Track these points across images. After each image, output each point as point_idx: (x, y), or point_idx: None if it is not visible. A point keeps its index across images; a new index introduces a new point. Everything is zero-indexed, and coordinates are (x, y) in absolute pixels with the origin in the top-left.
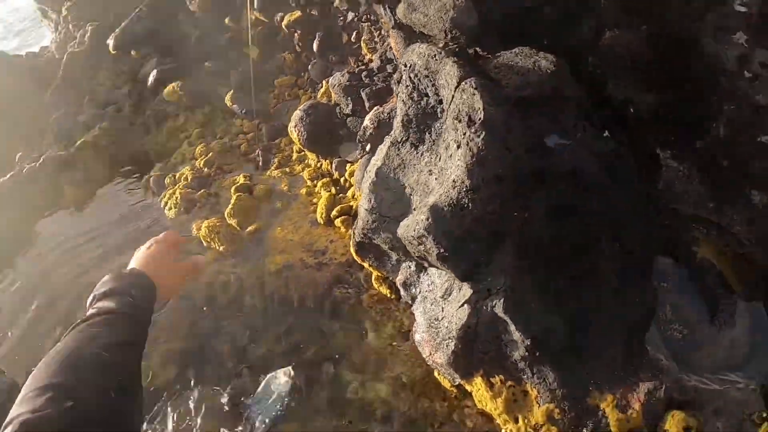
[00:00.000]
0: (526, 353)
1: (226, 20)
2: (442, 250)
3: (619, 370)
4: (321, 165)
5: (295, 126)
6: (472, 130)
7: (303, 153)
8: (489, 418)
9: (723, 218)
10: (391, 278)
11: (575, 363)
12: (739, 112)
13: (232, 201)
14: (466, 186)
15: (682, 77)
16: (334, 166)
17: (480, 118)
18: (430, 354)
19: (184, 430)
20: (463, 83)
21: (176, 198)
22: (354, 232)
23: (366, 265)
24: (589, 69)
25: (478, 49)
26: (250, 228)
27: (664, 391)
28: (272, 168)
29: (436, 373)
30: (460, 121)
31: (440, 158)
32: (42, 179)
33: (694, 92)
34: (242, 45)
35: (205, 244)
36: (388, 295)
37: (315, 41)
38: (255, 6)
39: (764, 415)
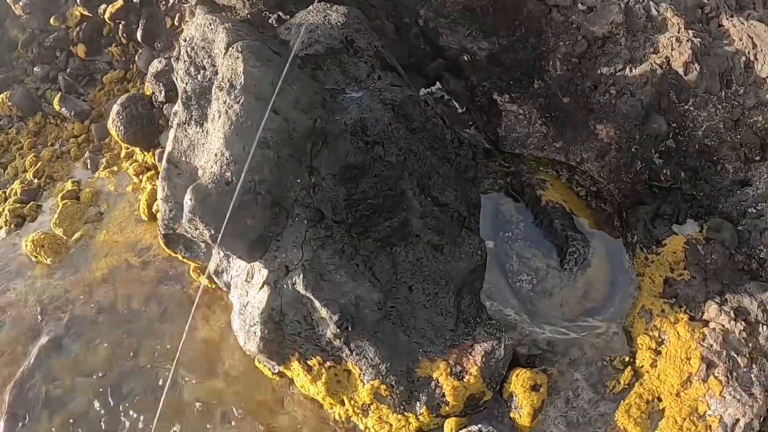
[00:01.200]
0: (338, 329)
1: (51, 20)
2: (212, 232)
3: (450, 333)
4: (146, 158)
5: (113, 122)
6: (232, 97)
7: (131, 149)
8: (319, 404)
9: (572, 157)
10: (205, 266)
11: (398, 332)
12: (574, 47)
13: (58, 209)
14: (227, 158)
15: (515, 19)
16: (157, 157)
17: (240, 83)
18: (245, 343)
19: None
20: (231, 48)
21: (5, 216)
22: (159, 225)
23: (179, 257)
24: (421, 22)
25: (280, 13)
26: (76, 235)
27: (504, 350)
28: (101, 169)
29: (256, 362)
30: (221, 89)
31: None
32: None
33: (528, 32)
34: (69, 44)
35: (33, 259)
36: (210, 285)
37: (138, 30)
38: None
39: (627, 359)
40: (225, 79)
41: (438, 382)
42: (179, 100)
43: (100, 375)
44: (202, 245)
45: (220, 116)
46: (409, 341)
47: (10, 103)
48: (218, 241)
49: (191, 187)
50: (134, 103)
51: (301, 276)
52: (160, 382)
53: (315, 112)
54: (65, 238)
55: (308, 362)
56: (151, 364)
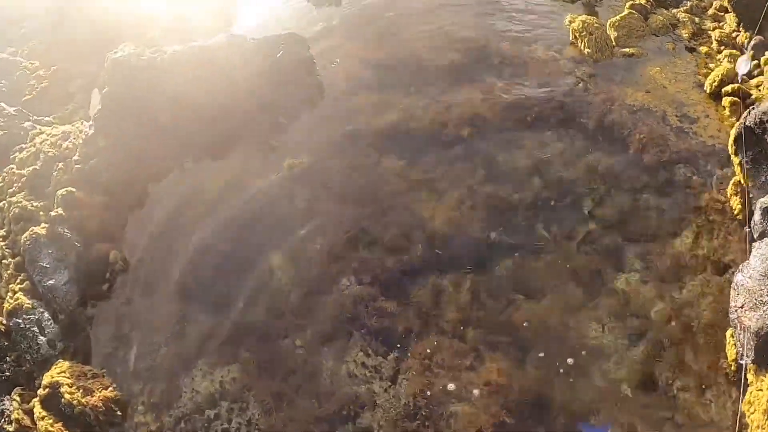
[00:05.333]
0: None
1: None
2: None
3: None
4: (736, 35)
5: None
6: None
7: (722, 14)
8: (732, 423)
9: None
10: (752, 196)
11: None
12: None
13: (622, 14)
14: None
15: None
16: (752, 42)
17: None
18: (743, 306)
19: None
20: None
21: None
22: (748, 113)
23: (736, 160)
24: None
25: None
26: (626, 49)
27: None
28: (680, 9)
29: (728, 333)
30: None
31: None
32: None
33: None
34: None
35: (571, 37)
36: (735, 212)
37: None
38: None
39: None
40: None
41: None
42: None
43: None
44: None
45: None
46: None
47: None
48: None
49: None
50: None
51: None
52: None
53: None
54: (614, 43)
55: None
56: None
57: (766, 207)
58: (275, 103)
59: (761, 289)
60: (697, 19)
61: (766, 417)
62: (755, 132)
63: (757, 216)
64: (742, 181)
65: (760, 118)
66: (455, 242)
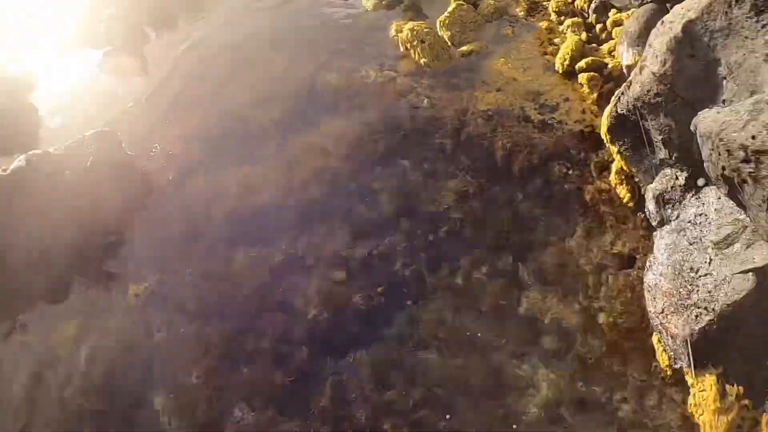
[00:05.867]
0: None
1: None
2: None
3: None
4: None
5: None
6: None
7: None
8: (691, 428)
9: None
10: (638, 180)
11: None
12: None
13: (450, 8)
14: None
15: None
16: (592, 5)
17: None
18: (663, 311)
19: None
20: None
21: None
22: (618, 101)
23: (614, 149)
24: None
25: None
26: (464, 48)
27: None
28: None
29: (655, 338)
30: None
31: None
32: None
33: None
34: None
35: (402, 49)
36: (624, 200)
37: None
38: None
39: None
40: None
41: None
42: None
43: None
44: (659, 155)
45: None
46: None
47: None
48: None
49: None
50: None
51: None
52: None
53: None
54: (450, 44)
55: (727, 386)
56: (492, 244)
57: (658, 194)
58: (99, 220)
59: (679, 291)
60: None
61: (717, 416)
62: (630, 119)
63: (651, 205)
64: (625, 168)
65: (633, 105)
66: (342, 322)
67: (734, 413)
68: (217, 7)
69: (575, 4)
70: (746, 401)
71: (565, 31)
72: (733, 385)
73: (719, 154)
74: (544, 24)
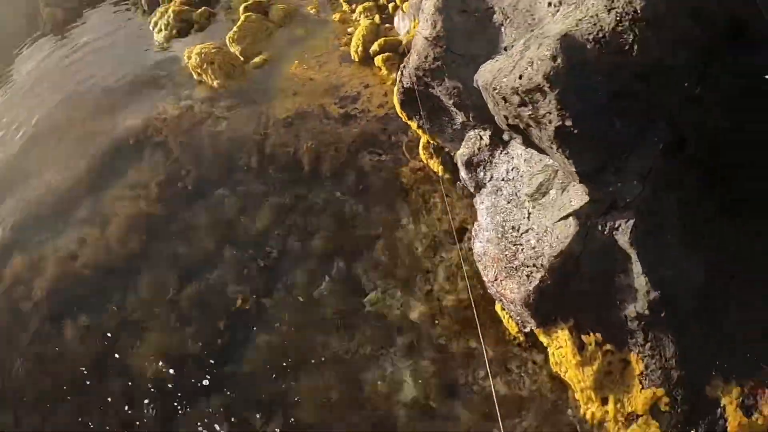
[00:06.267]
0: (646, 310)
1: None
2: (569, 121)
3: (753, 349)
4: None
5: None
6: None
7: None
8: (562, 387)
9: None
10: (447, 149)
11: (702, 333)
12: None
13: (239, 22)
14: (635, 9)
15: None
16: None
17: None
18: (497, 279)
19: None
20: None
21: (168, 18)
22: (401, 75)
23: (413, 125)
24: None
25: None
26: (256, 59)
27: None
28: None
29: (498, 307)
30: None
31: None
32: None
33: None
34: None
35: (195, 75)
36: (440, 173)
37: None
38: None
39: None
40: None
41: (724, 411)
42: None
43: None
44: (457, 120)
45: None
46: (710, 347)
47: None
48: (564, 140)
49: (559, 38)
50: None
51: (631, 222)
52: (328, 282)
53: None
54: (242, 59)
55: (582, 337)
56: (324, 251)
57: (466, 159)
58: None
59: (505, 254)
60: None
61: (581, 370)
62: (418, 90)
63: (463, 172)
64: (432, 141)
65: (415, 75)
66: (185, 373)
67: (598, 362)
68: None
69: None
70: (608, 346)
71: (358, 18)
72: (588, 334)
73: (497, 104)
74: (336, 16)
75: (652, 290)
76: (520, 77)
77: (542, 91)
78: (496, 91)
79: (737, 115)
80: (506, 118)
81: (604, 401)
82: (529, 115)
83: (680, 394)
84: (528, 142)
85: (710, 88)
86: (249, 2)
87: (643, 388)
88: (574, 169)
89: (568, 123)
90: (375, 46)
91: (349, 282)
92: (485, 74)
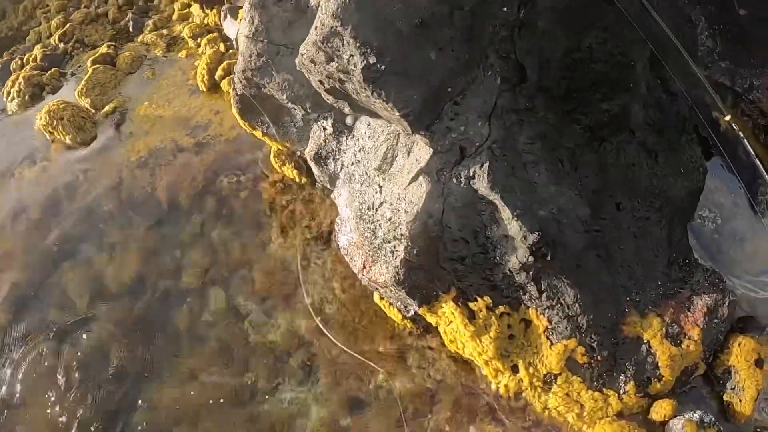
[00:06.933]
0: (529, 257)
1: None
2: (371, 59)
3: (663, 277)
4: (207, 18)
5: None
6: None
7: (187, 10)
8: (467, 367)
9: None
10: (298, 152)
11: (602, 269)
12: None
13: (86, 75)
14: None
15: None
16: (223, 15)
17: None
18: (365, 267)
19: None
20: None
21: (19, 85)
22: (233, 83)
23: (258, 134)
24: None
25: None
26: (106, 108)
27: (727, 308)
28: (146, 32)
29: (377, 298)
30: None
31: None
32: None
33: None
34: None
35: (48, 136)
36: (297, 179)
37: None
38: None
39: None
40: None
41: (650, 346)
42: None
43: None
44: (298, 115)
45: None
46: (613, 283)
47: None
48: (375, 81)
49: None
50: None
51: (486, 166)
52: (207, 317)
53: None
54: (93, 110)
55: (470, 305)
56: (198, 286)
57: (314, 154)
58: None
59: (366, 236)
60: (165, 31)
61: (478, 340)
62: (252, 95)
63: (315, 169)
64: (281, 147)
65: (244, 78)
66: None
67: (495, 327)
68: None
69: (207, 21)
70: (502, 308)
71: (204, 50)
72: (476, 300)
73: (309, 71)
74: (182, 53)
75: (529, 234)
76: (315, 28)
77: (337, 33)
78: (305, 56)
79: (575, 33)
80: (322, 83)
81: (515, 369)
82: (337, 67)
83: (595, 340)
84: (357, 107)
85: (538, 9)
86: (96, 55)
87: (552, 344)
88: (398, 115)
89: (372, 60)
90: (219, 71)
91: (229, 314)
92: (301, 49)
